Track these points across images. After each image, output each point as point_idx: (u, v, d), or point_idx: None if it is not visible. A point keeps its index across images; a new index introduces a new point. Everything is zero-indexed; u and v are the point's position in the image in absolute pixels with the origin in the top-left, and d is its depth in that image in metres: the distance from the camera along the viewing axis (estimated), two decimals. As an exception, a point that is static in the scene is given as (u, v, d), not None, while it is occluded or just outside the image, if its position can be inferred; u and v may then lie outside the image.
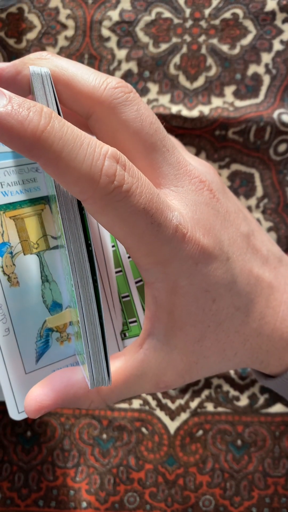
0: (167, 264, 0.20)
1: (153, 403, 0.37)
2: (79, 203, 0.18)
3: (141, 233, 0.18)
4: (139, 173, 0.18)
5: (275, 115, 0.35)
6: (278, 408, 0.37)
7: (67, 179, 0.17)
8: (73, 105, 0.20)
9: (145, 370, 0.22)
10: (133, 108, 0.19)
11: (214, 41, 0.36)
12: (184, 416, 0.37)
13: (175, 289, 0.20)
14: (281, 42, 0.35)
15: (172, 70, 0.36)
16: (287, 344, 0.23)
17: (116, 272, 0.24)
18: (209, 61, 0.36)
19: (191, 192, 0.20)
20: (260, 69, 0.36)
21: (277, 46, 0.36)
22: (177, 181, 0.20)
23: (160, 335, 0.21)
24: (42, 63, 0.20)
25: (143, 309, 0.25)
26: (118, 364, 0.22)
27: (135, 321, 0.25)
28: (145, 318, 0.22)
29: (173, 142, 0.21)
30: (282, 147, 0.36)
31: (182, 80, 0.36)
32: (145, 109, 0.20)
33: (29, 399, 0.21)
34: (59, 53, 0.36)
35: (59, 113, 0.19)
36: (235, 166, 0.36)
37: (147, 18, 0.36)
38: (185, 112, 0.36)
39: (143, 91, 0.36)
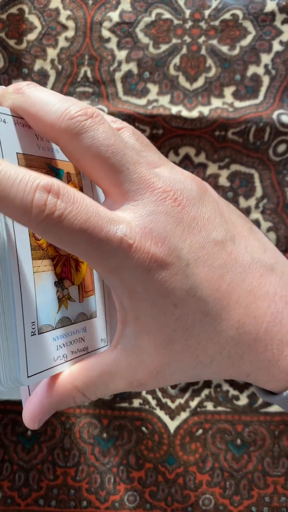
0: (119, 272, 0.21)
1: (153, 402, 0.37)
2: None
3: (84, 250, 0.20)
4: (75, 197, 0.20)
5: (274, 115, 0.35)
6: (277, 407, 0.37)
7: (5, 211, 0.19)
8: (44, 135, 0.22)
9: (117, 369, 0.23)
10: (89, 135, 0.21)
11: (214, 42, 0.36)
12: (184, 415, 0.37)
13: (134, 295, 0.21)
14: (281, 43, 0.36)
15: (172, 71, 0.36)
16: (273, 357, 0.23)
17: None
18: (209, 62, 0.36)
19: (150, 204, 0.21)
20: (260, 70, 0.36)
21: (276, 47, 0.36)
22: (137, 195, 0.21)
23: (130, 337, 0.22)
24: (12, 97, 0.22)
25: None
26: (93, 361, 0.23)
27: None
28: (117, 321, 0.23)
29: (134, 158, 0.22)
30: (281, 148, 0.36)
31: (182, 81, 0.36)
32: (102, 133, 0.21)
33: (25, 414, 0.23)
34: (60, 53, 0.36)
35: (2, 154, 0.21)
36: (234, 167, 0.37)
37: (147, 19, 0.36)
38: (185, 113, 0.36)
39: (143, 92, 0.36)
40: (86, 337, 0.25)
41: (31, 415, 0.23)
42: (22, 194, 0.19)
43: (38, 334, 0.22)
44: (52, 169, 0.24)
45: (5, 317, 0.21)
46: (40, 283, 0.23)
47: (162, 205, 0.22)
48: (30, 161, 0.23)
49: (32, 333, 0.22)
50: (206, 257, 0.22)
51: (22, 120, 0.23)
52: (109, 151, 0.21)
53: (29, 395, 0.24)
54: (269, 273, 0.24)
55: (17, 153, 0.22)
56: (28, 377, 0.22)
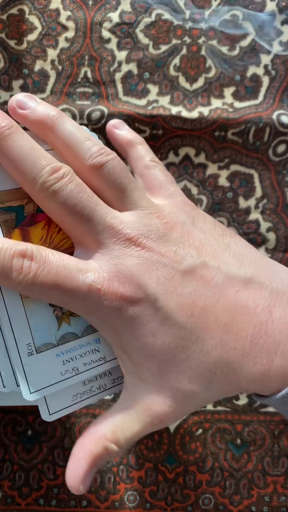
0: (96, 313, 0.23)
1: (153, 402, 0.38)
2: None
3: (60, 299, 0.23)
4: (46, 256, 0.23)
5: (274, 116, 0.36)
6: (277, 407, 0.37)
7: None
8: (22, 187, 0.25)
9: (135, 406, 0.24)
10: (59, 197, 0.23)
11: (214, 42, 0.36)
12: (184, 415, 0.37)
13: (115, 331, 0.24)
14: (280, 43, 0.36)
15: (172, 72, 0.36)
16: (264, 368, 0.23)
17: None
18: (209, 62, 0.36)
19: (116, 250, 0.24)
20: (260, 71, 0.36)
21: (276, 47, 0.36)
22: (105, 244, 0.24)
23: (132, 372, 0.24)
24: None
25: None
26: (114, 407, 0.25)
27: None
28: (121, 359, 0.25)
29: (102, 211, 0.24)
30: (281, 148, 0.36)
31: (182, 81, 0.36)
32: (70, 193, 0.23)
33: (69, 478, 0.24)
34: (60, 54, 0.36)
35: None
36: (234, 167, 0.37)
37: (147, 20, 0.36)
38: (184, 113, 0.36)
39: (143, 92, 0.36)
40: (101, 347, 0.26)
41: (78, 478, 0.24)
42: (2, 261, 0.22)
43: (37, 353, 0.24)
44: None
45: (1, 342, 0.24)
46: (31, 306, 0.24)
47: (126, 250, 0.24)
48: (7, 196, 0.24)
49: (29, 353, 0.24)
50: (174, 288, 0.24)
51: None
52: (78, 207, 0.23)
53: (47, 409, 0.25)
54: (246, 287, 0.24)
55: None
56: (30, 393, 0.23)
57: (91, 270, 0.23)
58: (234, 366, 0.23)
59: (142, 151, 0.30)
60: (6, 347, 0.24)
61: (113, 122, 0.31)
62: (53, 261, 0.23)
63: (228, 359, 0.23)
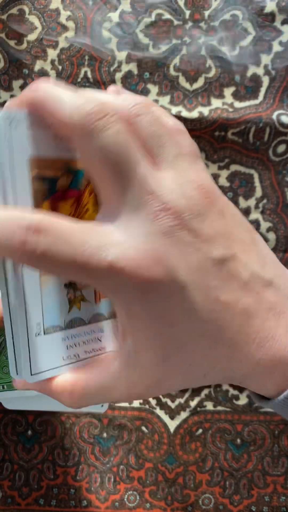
0: (115, 293, 0.21)
1: (153, 402, 0.37)
2: None
3: (77, 277, 0.21)
4: (61, 230, 0.20)
5: (274, 116, 0.36)
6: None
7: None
8: (60, 133, 0.22)
9: (116, 383, 0.23)
10: (100, 136, 0.20)
11: (214, 42, 0.36)
12: (184, 415, 0.37)
13: (130, 314, 0.22)
14: (280, 43, 0.36)
15: (172, 72, 0.36)
16: (264, 369, 0.23)
17: None
18: (209, 62, 0.36)
19: (146, 222, 0.21)
20: (260, 71, 0.36)
21: (276, 47, 0.36)
22: (134, 212, 0.21)
23: (131, 352, 0.23)
24: (28, 95, 0.22)
25: None
26: (94, 374, 0.24)
27: None
28: (119, 333, 0.23)
29: (142, 168, 0.21)
30: (281, 148, 0.36)
31: (182, 81, 0.36)
32: (113, 135, 0.21)
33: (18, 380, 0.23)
34: (60, 54, 0.36)
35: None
36: (234, 167, 0.37)
37: (147, 20, 0.36)
38: (185, 113, 0.36)
39: (143, 92, 0.36)
40: (104, 337, 0.25)
41: (24, 383, 0.24)
42: (6, 236, 0.20)
43: (44, 334, 0.23)
44: (70, 171, 0.24)
45: (10, 319, 0.22)
46: (47, 286, 0.23)
47: (159, 224, 0.21)
48: (44, 164, 0.23)
49: (37, 334, 0.23)
50: (203, 278, 0.22)
51: (40, 121, 0.22)
52: (116, 157, 0.21)
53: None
54: (266, 289, 0.24)
55: (29, 157, 0.22)
56: (31, 375, 0.23)
57: (114, 245, 0.21)
58: (235, 363, 0.23)
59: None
60: (11, 326, 0.23)
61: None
62: (69, 236, 0.20)
63: (232, 357, 0.23)
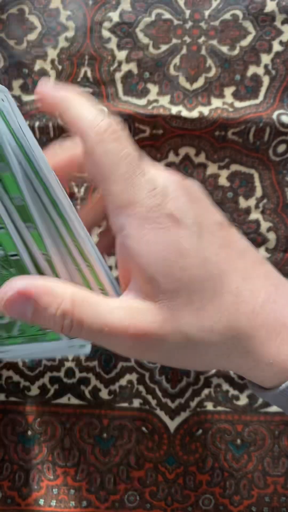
0: (129, 208, 0.23)
1: (153, 402, 0.38)
2: None
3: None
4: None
5: (274, 116, 0.36)
6: (277, 407, 0.37)
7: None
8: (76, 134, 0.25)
9: (125, 316, 0.24)
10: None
11: (214, 42, 0.36)
12: (184, 415, 0.37)
13: (141, 238, 0.23)
14: (281, 43, 0.36)
15: (172, 71, 0.36)
16: (266, 332, 0.23)
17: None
18: (209, 62, 0.36)
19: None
20: (260, 70, 0.36)
21: (276, 47, 0.36)
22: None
23: (138, 285, 0.24)
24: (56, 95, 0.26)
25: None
26: (100, 305, 0.24)
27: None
28: (121, 269, 0.25)
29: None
30: (281, 148, 0.36)
31: (182, 81, 0.36)
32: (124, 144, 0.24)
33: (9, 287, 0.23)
34: (60, 54, 0.36)
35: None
36: (234, 167, 0.37)
37: (147, 19, 0.36)
38: (185, 113, 0.36)
39: (143, 92, 0.36)
40: None
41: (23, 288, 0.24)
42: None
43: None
44: None
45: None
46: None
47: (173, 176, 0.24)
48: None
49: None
50: (208, 227, 0.24)
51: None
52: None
53: None
54: (261, 262, 0.25)
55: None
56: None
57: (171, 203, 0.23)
58: (241, 317, 0.24)
59: None
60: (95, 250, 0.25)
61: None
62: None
63: (238, 309, 0.23)
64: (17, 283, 0.23)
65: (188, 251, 0.23)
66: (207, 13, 0.36)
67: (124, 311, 0.23)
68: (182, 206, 0.23)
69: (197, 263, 0.23)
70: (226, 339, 0.23)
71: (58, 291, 0.23)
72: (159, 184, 0.24)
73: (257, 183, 0.36)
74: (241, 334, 0.23)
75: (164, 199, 0.23)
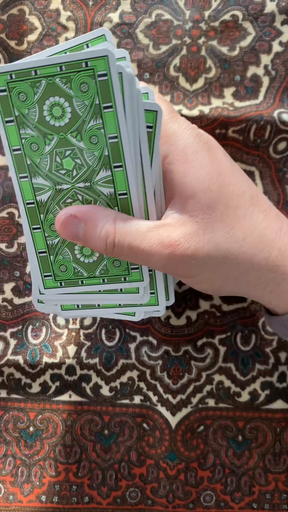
0: (173, 139, 0.27)
1: (154, 398, 0.38)
2: None
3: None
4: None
5: (275, 114, 0.36)
6: (279, 404, 0.37)
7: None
8: None
9: (163, 232, 0.26)
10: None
11: (214, 42, 0.36)
12: (185, 411, 0.38)
13: (184, 162, 0.26)
14: (280, 43, 0.36)
15: (172, 72, 0.36)
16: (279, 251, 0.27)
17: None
18: (209, 62, 0.36)
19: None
20: (260, 71, 0.36)
21: (276, 47, 0.36)
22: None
23: (179, 203, 0.27)
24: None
25: None
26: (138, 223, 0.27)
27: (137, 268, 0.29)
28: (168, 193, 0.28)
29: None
30: (281, 145, 0.36)
31: (182, 81, 0.36)
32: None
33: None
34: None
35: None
36: (234, 165, 0.37)
37: (147, 20, 0.36)
38: (185, 112, 0.36)
39: (144, 92, 0.37)
40: None
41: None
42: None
43: None
44: None
45: None
46: None
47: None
48: None
49: None
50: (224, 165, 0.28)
51: None
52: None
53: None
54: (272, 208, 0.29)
55: None
56: None
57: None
58: (266, 243, 0.27)
59: None
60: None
61: None
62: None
63: (263, 235, 0.27)
64: (71, 209, 0.26)
65: (225, 172, 0.27)
66: (207, 13, 0.36)
67: (162, 227, 0.26)
68: (212, 139, 0.28)
69: (233, 182, 0.27)
70: (258, 252, 0.27)
71: (103, 214, 0.26)
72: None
73: (258, 180, 0.37)
74: (271, 248, 0.27)
75: (199, 131, 0.28)
